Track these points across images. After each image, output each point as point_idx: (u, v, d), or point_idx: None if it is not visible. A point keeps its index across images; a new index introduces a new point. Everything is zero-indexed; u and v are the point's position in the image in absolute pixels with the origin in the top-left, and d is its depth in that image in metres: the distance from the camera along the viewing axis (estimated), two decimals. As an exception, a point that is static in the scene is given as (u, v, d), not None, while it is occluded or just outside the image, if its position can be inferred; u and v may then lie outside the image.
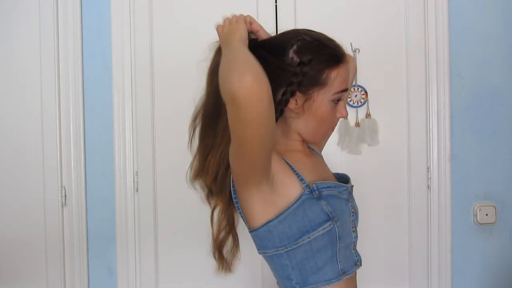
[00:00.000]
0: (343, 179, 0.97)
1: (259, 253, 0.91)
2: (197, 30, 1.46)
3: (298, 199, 0.82)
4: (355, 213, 0.92)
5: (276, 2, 1.43)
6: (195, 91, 1.46)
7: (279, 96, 0.84)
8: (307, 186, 0.82)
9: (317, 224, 0.81)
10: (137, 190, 1.48)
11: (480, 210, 1.43)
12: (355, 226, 0.92)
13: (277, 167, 0.82)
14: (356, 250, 0.92)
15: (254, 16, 1.42)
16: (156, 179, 1.48)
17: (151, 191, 1.48)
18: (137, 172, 1.48)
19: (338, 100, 0.86)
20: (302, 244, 0.82)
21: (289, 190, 0.82)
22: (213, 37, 1.44)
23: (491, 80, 1.43)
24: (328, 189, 0.84)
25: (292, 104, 0.85)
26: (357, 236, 0.92)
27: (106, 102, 1.49)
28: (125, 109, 1.47)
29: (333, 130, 0.94)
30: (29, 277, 1.51)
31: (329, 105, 0.85)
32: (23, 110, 1.50)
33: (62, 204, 1.49)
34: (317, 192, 0.82)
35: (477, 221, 1.43)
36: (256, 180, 0.80)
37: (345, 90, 0.86)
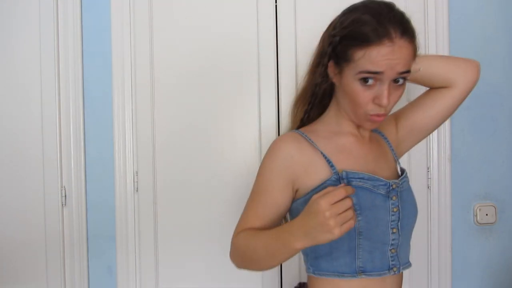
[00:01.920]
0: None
1: None
2: (197, 30, 1.46)
3: (322, 183, 0.82)
4: (397, 213, 0.85)
5: (276, 2, 1.43)
6: (195, 90, 1.47)
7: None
8: (336, 172, 0.83)
9: None
10: (137, 190, 1.48)
11: (480, 210, 1.43)
12: (396, 227, 0.84)
13: (304, 156, 0.86)
14: (398, 254, 0.85)
15: (254, 16, 1.43)
16: (156, 179, 1.48)
17: (151, 191, 1.48)
18: (137, 172, 1.48)
19: (369, 82, 0.80)
20: None
21: (318, 173, 0.84)
22: (213, 37, 1.45)
23: (491, 80, 1.43)
24: (360, 180, 0.83)
25: (331, 72, 0.88)
26: (400, 238, 0.85)
27: (106, 102, 1.49)
28: (125, 109, 1.47)
29: (378, 119, 0.83)
30: (29, 277, 1.51)
31: (357, 84, 0.81)
32: (23, 110, 1.50)
33: (62, 204, 1.49)
34: (345, 180, 0.82)
35: (477, 221, 1.43)
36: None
37: (375, 73, 0.78)
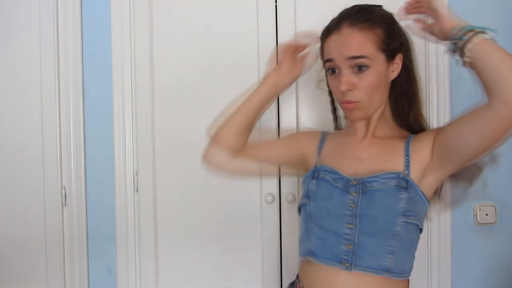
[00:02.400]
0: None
1: None
2: (197, 30, 1.46)
3: (308, 173, 0.99)
4: (354, 209, 0.87)
5: (276, 2, 1.43)
6: (194, 90, 1.47)
7: None
8: (315, 165, 0.98)
9: (303, 195, 0.97)
10: (137, 190, 1.48)
11: (480, 210, 1.43)
12: (353, 224, 0.87)
13: (308, 147, 1.04)
14: (354, 252, 0.86)
15: (254, 16, 1.43)
16: (156, 179, 1.48)
17: (151, 191, 1.48)
18: (137, 172, 1.48)
19: (331, 70, 0.91)
20: (299, 208, 1.00)
21: (310, 164, 1.01)
22: (213, 37, 1.45)
23: (491, 80, 1.43)
24: (324, 172, 0.95)
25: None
26: (358, 237, 0.86)
27: (106, 102, 1.49)
28: (125, 109, 1.48)
29: (348, 107, 0.89)
30: (29, 277, 1.51)
31: (328, 75, 0.94)
32: (23, 110, 1.50)
33: (62, 204, 1.49)
34: (316, 172, 0.96)
35: (477, 221, 1.43)
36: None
37: (329, 60, 0.90)
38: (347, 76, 0.87)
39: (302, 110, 1.44)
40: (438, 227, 1.42)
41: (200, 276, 1.47)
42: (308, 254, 0.93)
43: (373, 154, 0.93)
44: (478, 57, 0.76)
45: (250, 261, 1.45)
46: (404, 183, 0.87)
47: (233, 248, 1.46)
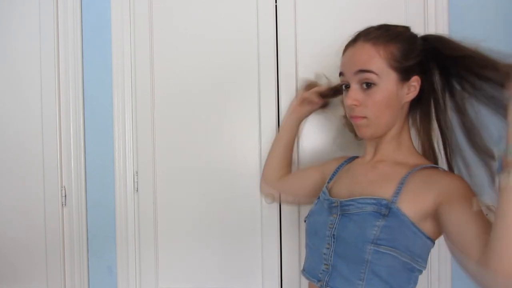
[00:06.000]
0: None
1: None
2: (197, 29, 1.46)
3: (319, 195, 1.02)
4: (331, 230, 0.87)
5: (276, 2, 1.43)
6: (194, 90, 1.47)
7: None
8: (322, 190, 1.01)
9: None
10: (137, 190, 1.48)
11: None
12: (330, 244, 0.86)
13: (326, 171, 1.10)
14: (330, 274, 0.85)
15: (254, 16, 1.43)
16: (156, 179, 1.48)
17: (151, 191, 1.48)
18: (137, 172, 1.48)
19: (345, 86, 0.92)
20: None
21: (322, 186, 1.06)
22: (213, 37, 1.45)
23: (491, 80, 1.43)
24: (322, 193, 1.00)
25: None
26: (334, 260, 0.85)
27: (106, 102, 1.49)
28: (125, 109, 1.48)
29: (356, 120, 0.88)
30: (29, 277, 1.51)
31: (343, 90, 0.93)
32: (23, 110, 1.50)
33: (62, 204, 1.49)
34: (322, 193, 1.00)
35: (477, 221, 1.43)
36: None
37: (341, 74, 0.92)
38: (354, 91, 0.87)
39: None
40: (438, 227, 1.42)
41: (200, 276, 1.47)
42: (303, 268, 0.98)
43: (370, 178, 0.91)
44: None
45: (250, 261, 1.45)
46: (385, 210, 0.81)
47: (233, 248, 1.46)
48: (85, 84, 1.50)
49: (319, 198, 1.01)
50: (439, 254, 1.42)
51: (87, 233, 1.50)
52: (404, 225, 0.81)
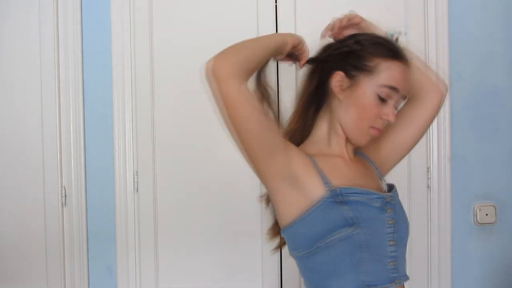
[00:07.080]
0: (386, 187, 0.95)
1: (290, 254, 0.89)
2: (197, 29, 1.46)
3: (320, 202, 0.80)
4: (394, 225, 0.85)
5: (276, 2, 1.43)
6: (194, 90, 1.47)
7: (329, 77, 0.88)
8: (331, 190, 0.81)
9: (333, 228, 0.79)
10: (137, 190, 1.48)
11: (480, 210, 1.43)
12: (394, 240, 0.85)
13: (300, 167, 0.82)
14: (397, 267, 0.85)
15: (254, 16, 1.43)
16: (156, 179, 1.48)
17: (151, 191, 1.48)
18: (137, 172, 1.48)
19: (384, 97, 0.83)
20: (320, 247, 0.80)
21: (311, 192, 0.81)
22: (213, 37, 1.45)
23: (491, 80, 1.43)
24: (355, 195, 0.82)
25: (336, 88, 0.86)
26: (398, 251, 0.85)
27: (106, 102, 1.49)
28: (125, 109, 1.47)
29: (377, 133, 0.87)
30: (29, 277, 1.51)
31: (373, 98, 0.83)
32: (23, 110, 1.50)
33: (62, 204, 1.49)
34: (340, 196, 0.81)
35: (477, 221, 1.43)
36: (270, 174, 0.82)
37: (394, 88, 0.83)
38: (393, 109, 0.86)
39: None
40: (438, 227, 1.42)
41: (200, 276, 1.47)
42: (362, 286, 0.82)
43: (363, 173, 0.93)
44: None
45: (250, 261, 1.45)
46: (396, 191, 0.94)
47: (233, 248, 1.46)
48: (85, 84, 1.50)
49: (348, 202, 0.81)
50: (439, 253, 1.43)
51: (87, 233, 1.50)
52: None
